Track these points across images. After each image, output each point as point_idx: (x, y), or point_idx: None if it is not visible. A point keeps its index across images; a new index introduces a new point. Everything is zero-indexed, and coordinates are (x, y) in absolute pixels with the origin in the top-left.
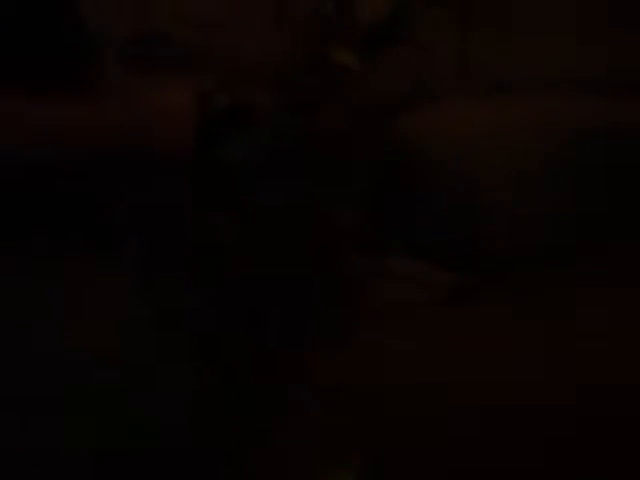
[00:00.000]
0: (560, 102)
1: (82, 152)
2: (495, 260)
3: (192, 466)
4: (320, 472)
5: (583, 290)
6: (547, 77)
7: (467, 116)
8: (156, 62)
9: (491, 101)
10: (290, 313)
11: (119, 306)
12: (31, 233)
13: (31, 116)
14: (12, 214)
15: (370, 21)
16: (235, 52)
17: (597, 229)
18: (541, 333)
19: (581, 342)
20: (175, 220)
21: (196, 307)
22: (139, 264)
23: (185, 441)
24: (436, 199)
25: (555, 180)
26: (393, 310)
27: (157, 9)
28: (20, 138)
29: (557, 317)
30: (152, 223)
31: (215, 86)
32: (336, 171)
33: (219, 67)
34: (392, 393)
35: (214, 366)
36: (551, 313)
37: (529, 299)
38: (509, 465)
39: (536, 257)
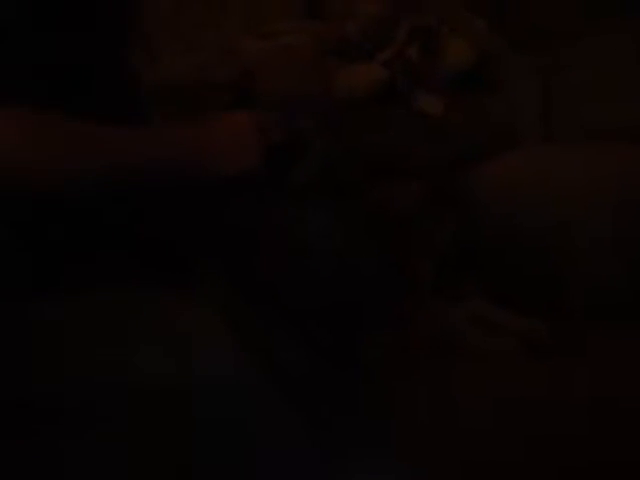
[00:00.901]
0: None
1: (157, 180)
2: (580, 310)
3: None
4: None
5: None
6: (635, 124)
7: (551, 165)
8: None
9: (577, 149)
10: (363, 354)
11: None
12: (108, 260)
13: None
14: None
15: (454, 67)
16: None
17: None
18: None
19: None
20: (252, 247)
21: (280, 339)
22: (221, 292)
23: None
24: (521, 247)
25: None
26: (471, 356)
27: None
28: (106, 163)
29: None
30: (230, 250)
31: (271, 119)
32: (413, 221)
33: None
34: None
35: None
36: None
37: (613, 352)
38: None
39: (623, 309)
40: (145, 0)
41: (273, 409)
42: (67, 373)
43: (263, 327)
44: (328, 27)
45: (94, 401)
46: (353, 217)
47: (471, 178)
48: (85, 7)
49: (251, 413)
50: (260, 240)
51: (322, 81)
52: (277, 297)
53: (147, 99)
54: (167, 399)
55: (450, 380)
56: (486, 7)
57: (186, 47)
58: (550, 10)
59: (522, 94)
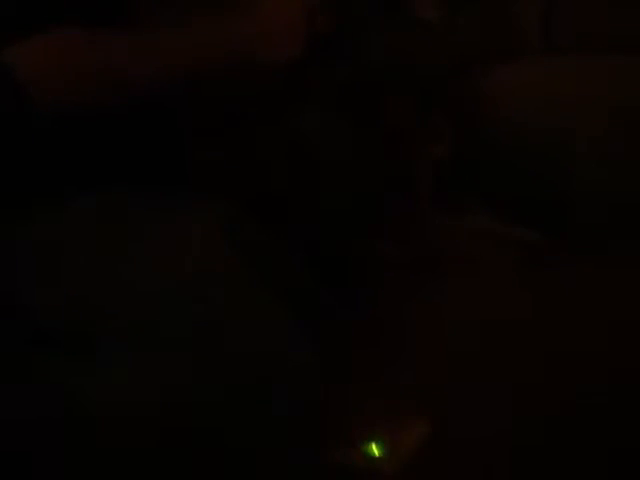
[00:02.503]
0: None
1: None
2: (579, 222)
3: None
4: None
5: None
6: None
7: (550, 74)
8: None
9: (576, 58)
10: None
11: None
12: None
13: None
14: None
15: None
16: None
17: None
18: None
19: None
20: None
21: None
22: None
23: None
24: (518, 156)
25: None
26: (465, 267)
27: None
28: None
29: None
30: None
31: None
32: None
33: None
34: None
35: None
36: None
37: (611, 266)
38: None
39: (622, 221)
40: None
41: (274, 319)
42: (64, 287)
43: (265, 239)
44: None
45: (94, 319)
46: (366, 129)
47: (471, 87)
48: None
49: (254, 324)
50: (271, 147)
51: None
52: (280, 207)
53: None
54: (169, 313)
55: (444, 296)
56: None
57: None
58: None
59: (524, 1)
